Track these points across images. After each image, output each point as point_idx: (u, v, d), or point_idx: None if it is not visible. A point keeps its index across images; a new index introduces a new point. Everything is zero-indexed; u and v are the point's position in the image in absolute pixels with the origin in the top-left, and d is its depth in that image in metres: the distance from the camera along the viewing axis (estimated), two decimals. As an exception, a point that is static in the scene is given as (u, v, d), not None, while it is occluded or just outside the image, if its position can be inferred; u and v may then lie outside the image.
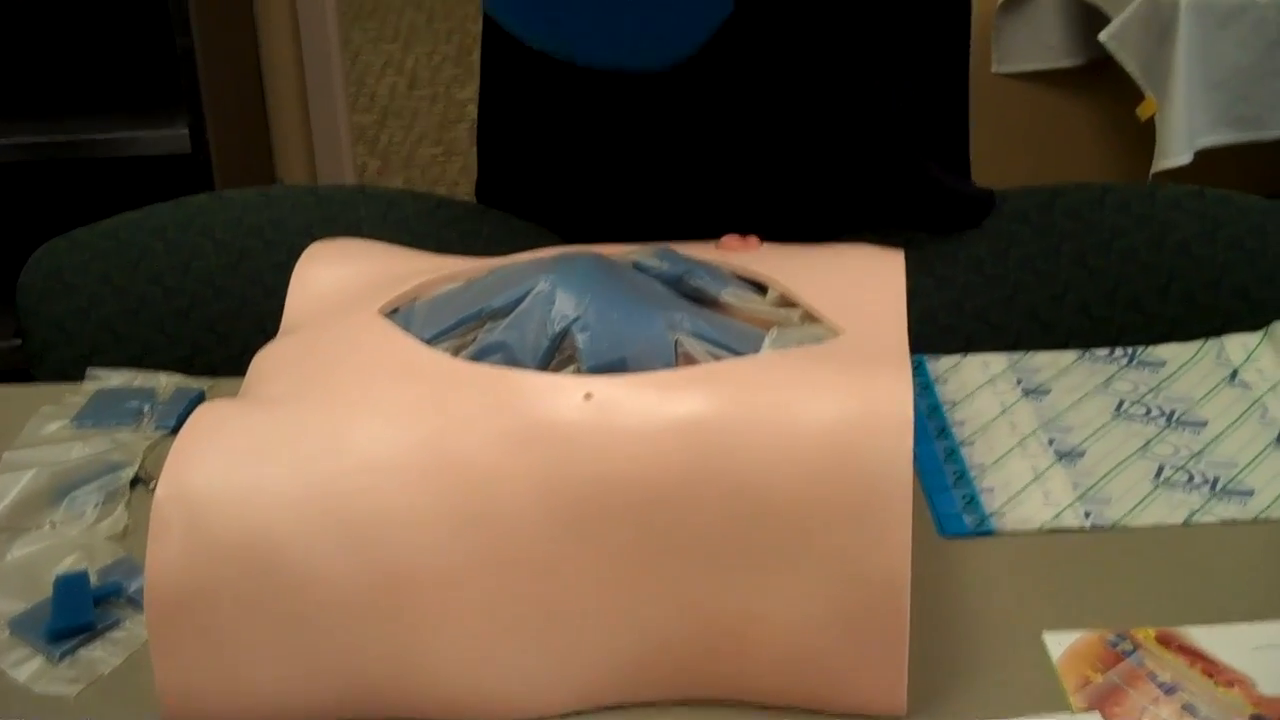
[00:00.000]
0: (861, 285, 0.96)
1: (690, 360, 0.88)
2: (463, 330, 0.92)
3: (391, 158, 3.74)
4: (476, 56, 1.27)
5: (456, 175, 3.57)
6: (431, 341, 0.91)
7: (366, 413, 0.84)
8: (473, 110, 1.20)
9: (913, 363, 1.15)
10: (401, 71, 4.32)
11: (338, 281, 1.01)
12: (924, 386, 1.15)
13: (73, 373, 1.25)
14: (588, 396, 0.82)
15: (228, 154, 2.38)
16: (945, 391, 1.14)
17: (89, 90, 2.40)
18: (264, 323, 1.30)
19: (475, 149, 1.37)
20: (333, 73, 2.80)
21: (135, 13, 2.50)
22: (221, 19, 2.46)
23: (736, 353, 0.89)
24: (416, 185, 3.56)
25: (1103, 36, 2.27)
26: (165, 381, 1.18)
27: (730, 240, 1.02)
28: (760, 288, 0.99)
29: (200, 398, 1.15)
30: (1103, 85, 2.80)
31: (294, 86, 2.81)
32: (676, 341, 0.89)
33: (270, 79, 2.80)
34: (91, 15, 2.58)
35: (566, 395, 0.82)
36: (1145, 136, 2.24)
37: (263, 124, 2.80)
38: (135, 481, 1.06)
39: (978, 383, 1.15)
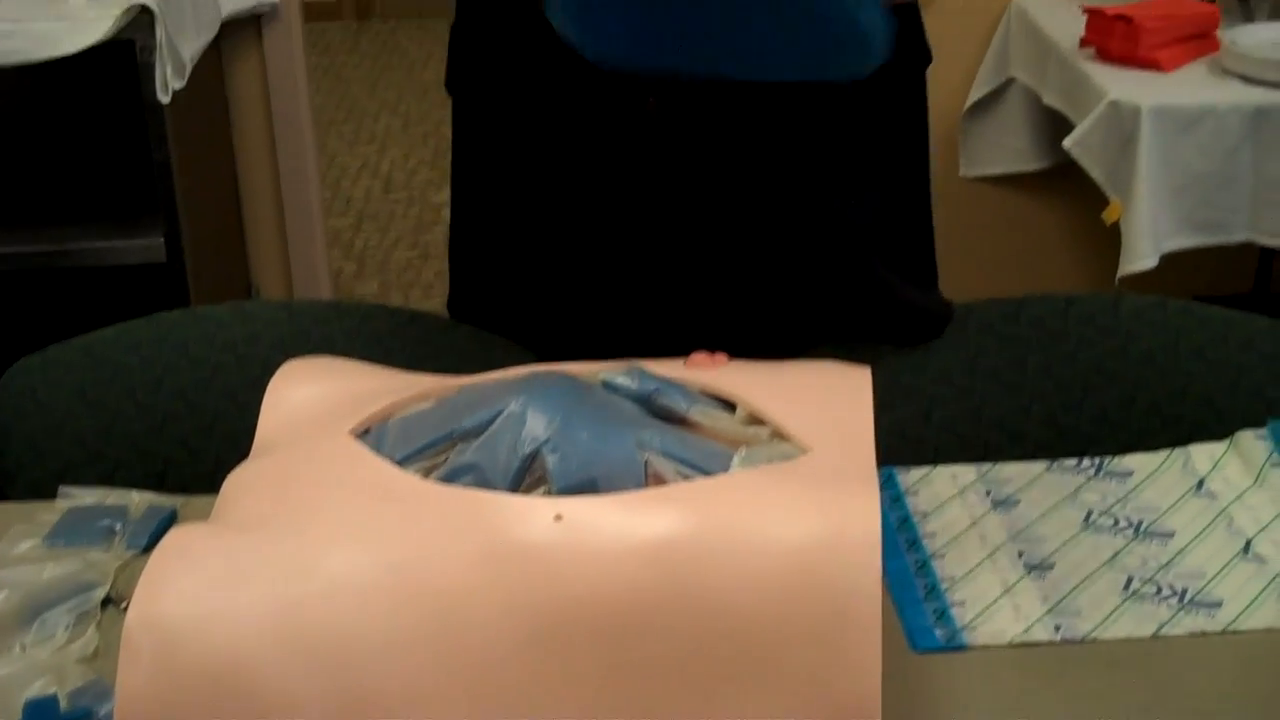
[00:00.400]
0: (829, 402, 0.97)
1: (660, 480, 0.89)
2: (434, 451, 0.92)
3: (367, 261, 3.76)
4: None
5: (432, 279, 3.59)
6: (403, 463, 0.91)
7: (337, 536, 0.84)
8: (449, 214, 1.23)
9: (883, 475, 1.16)
10: (377, 175, 4.35)
11: (310, 401, 1.02)
12: (894, 499, 1.15)
13: (45, 490, 1.25)
14: (558, 518, 0.83)
15: (202, 261, 2.39)
16: (916, 503, 1.15)
17: (64, 200, 2.42)
18: (237, 439, 1.31)
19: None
20: (308, 177, 2.82)
21: (111, 123, 2.53)
22: (198, 129, 2.48)
23: (706, 472, 0.90)
24: (392, 289, 3.57)
25: (1067, 143, 2.31)
26: (137, 500, 1.18)
27: (698, 357, 1.03)
28: (729, 405, 1.00)
29: (172, 517, 1.15)
30: (1069, 188, 2.84)
31: (269, 192, 2.83)
32: (646, 461, 0.90)
33: (246, 184, 2.82)
34: (67, 125, 2.60)
35: (537, 516, 0.83)
36: (1112, 237, 2.27)
37: (237, 230, 2.82)
38: (106, 602, 1.05)
39: (948, 494, 1.16)
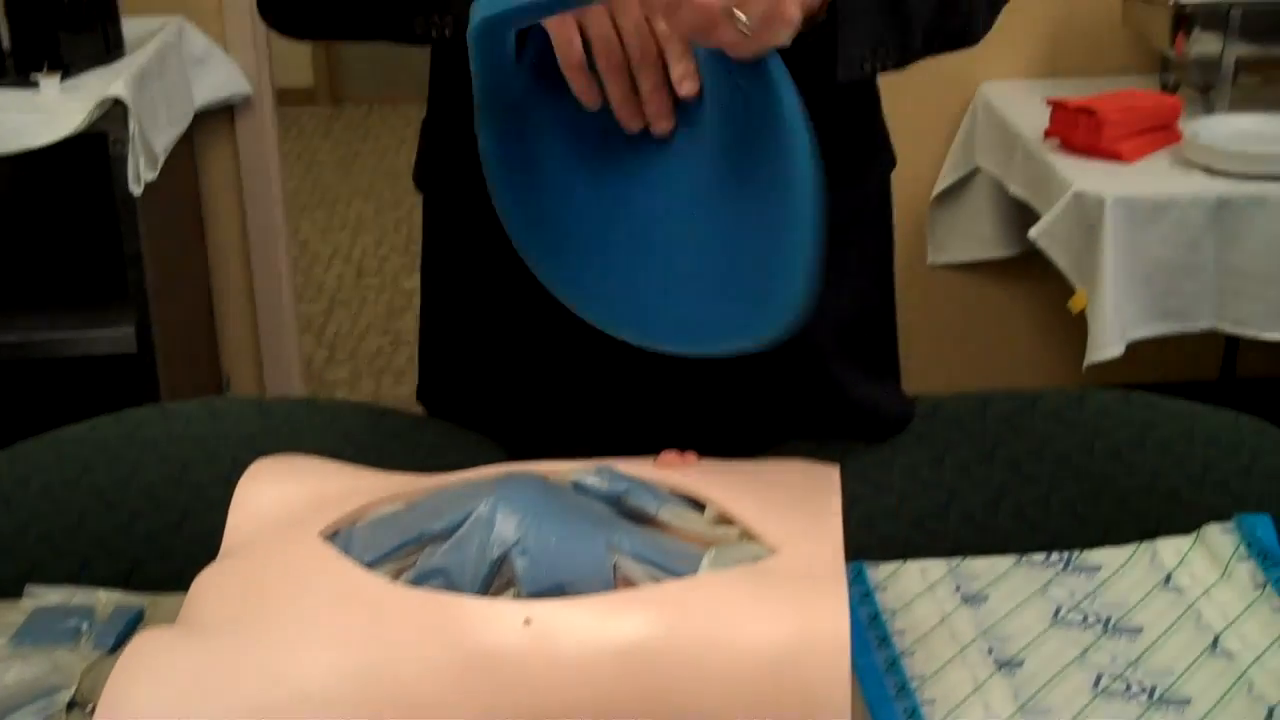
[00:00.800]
0: (798, 501, 0.98)
1: (629, 582, 0.89)
2: (403, 554, 0.93)
3: (338, 347, 3.77)
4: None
5: (403, 365, 3.59)
6: (371, 565, 0.91)
7: (305, 641, 0.84)
8: (420, 300, 1.25)
9: (852, 570, 1.16)
10: (349, 261, 4.37)
11: (279, 501, 1.02)
12: (864, 595, 1.15)
13: (11, 589, 1.24)
14: (527, 622, 0.83)
15: (173, 350, 2.39)
16: (885, 599, 1.15)
17: (36, 290, 2.42)
18: (206, 537, 1.30)
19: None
20: (280, 265, 2.83)
21: (83, 214, 2.54)
22: (170, 218, 2.49)
23: (675, 573, 0.90)
24: (363, 375, 3.57)
25: (1032, 234, 2.34)
26: (104, 599, 1.17)
27: (668, 456, 1.04)
28: (699, 505, 1.01)
29: (140, 616, 1.15)
30: (1036, 274, 2.87)
31: (241, 279, 2.84)
32: (615, 563, 0.90)
33: (217, 273, 2.83)
34: (40, 215, 2.61)
35: (506, 621, 0.83)
36: (1080, 324, 2.30)
37: (209, 318, 2.82)
38: (72, 704, 1.04)
39: (917, 590, 1.16)
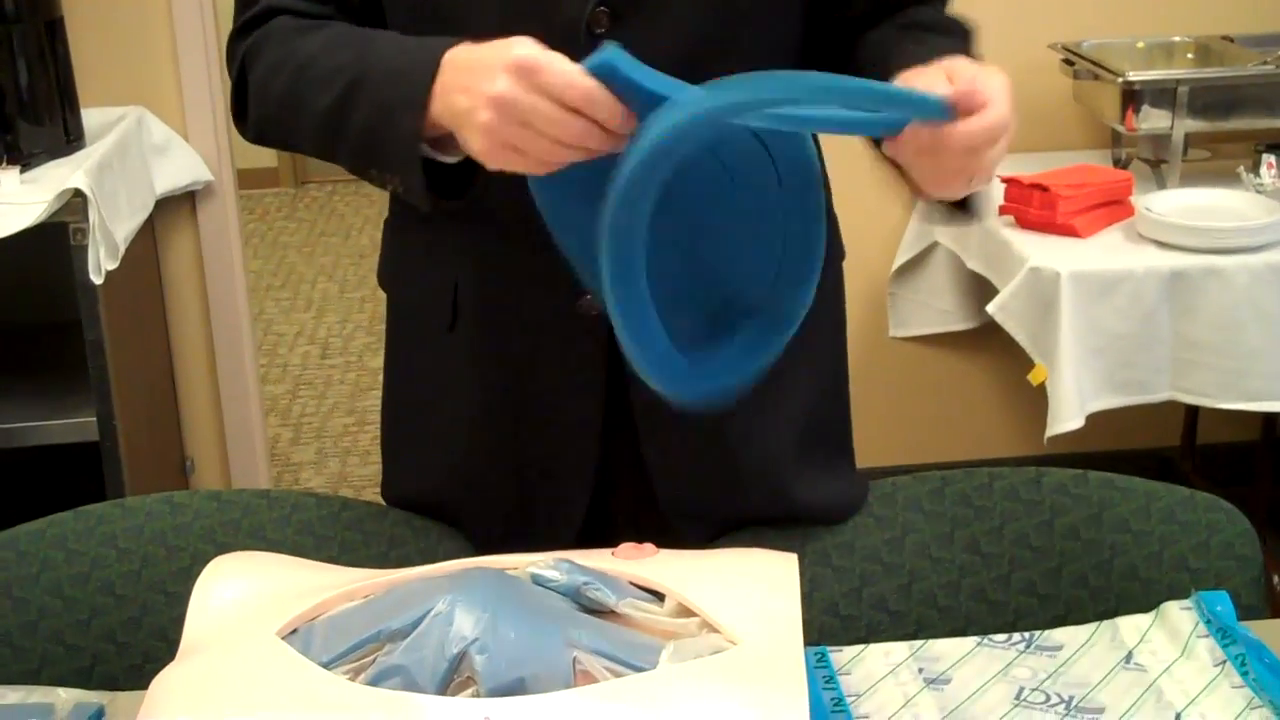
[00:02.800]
0: (757, 592, 0.98)
1: (589, 678, 0.89)
2: (361, 652, 0.92)
3: (304, 428, 3.75)
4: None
5: (368, 444, 3.58)
6: (330, 665, 0.91)
7: (263, 749, 0.83)
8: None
9: (815, 655, 1.16)
10: (314, 341, 4.36)
11: (237, 600, 1.01)
12: (827, 679, 1.15)
13: (-33, 689, 1.23)
14: (487, 721, 0.83)
15: (136, 437, 2.38)
16: (849, 683, 1.15)
17: (-6, 379, 2.41)
18: (165, 631, 1.29)
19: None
20: (243, 347, 2.82)
21: (43, 302, 2.53)
22: (131, 305, 2.49)
23: (635, 668, 0.90)
24: (329, 455, 3.56)
25: (990, 309, 2.36)
26: (64, 697, 1.16)
27: (626, 549, 1.04)
28: (659, 595, 1.01)
29: (100, 714, 1.14)
30: (997, 346, 2.89)
31: (204, 363, 2.83)
32: (575, 659, 0.90)
33: (180, 357, 2.82)
34: None
35: (465, 721, 0.83)
36: (1041, 394, 2.31)
37: (172, 402, 2.81)
38: (30, 807, 1.03)
39: (880, 674, 1.16)
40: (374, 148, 1.07)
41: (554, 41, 0.97)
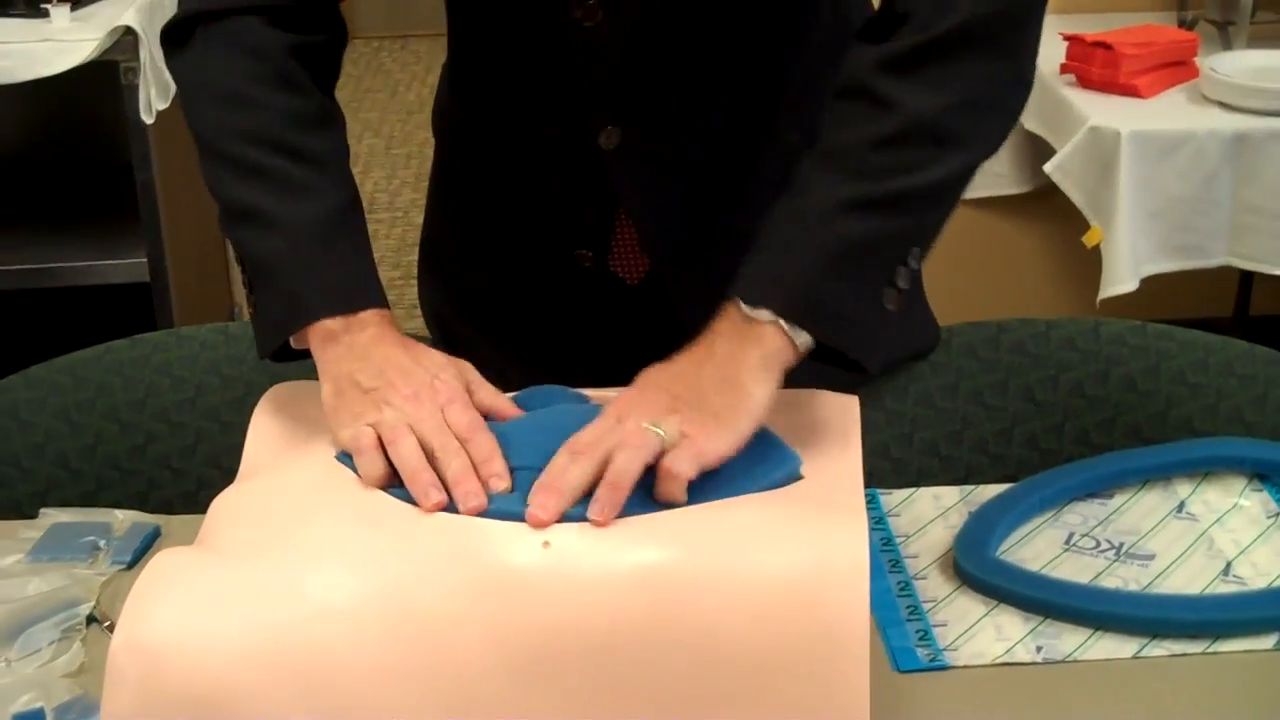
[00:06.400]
0: (818, 431, 0.98)
1: None
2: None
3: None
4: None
5: (414, 299, 3.59)
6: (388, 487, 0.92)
7: (323, 562, 0.84)
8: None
9: (866, 496, 1.16)
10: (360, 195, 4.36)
11: (296, 426, 1.02)
12: (877, 520, 1.16)
13: (28, 509, 1.25)
14: (546, 545, 0.83)
15: (185, 281, 2.39)
16: (898, 525, 1.15)
17: (48, 220, 2.42)
18: (219, 459, 1.31)
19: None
20: (291, 199, 2.82)
21: (95, 143, 2.53)
22: (182, 149, 2.48)
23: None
24: (374, 309, 3.57)
25: (1048, 168, 2.33)
26: (121, 517, 1.17)
27: None
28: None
29: (156, 534, 1.15)
30: (1051, 211, 2.85)
31: (253, 213, 2.83)
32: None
33: (229, 206, 2.82)
34: (51, 145, 2.60)
35: (525, 543, 0.83)
36: (1093, 260, 2.28)
37: (220, 250, 2.82)
38: (90, 618, 1.05)
39: (930, 516, 1.16)
40: (254, 296, 1.05)
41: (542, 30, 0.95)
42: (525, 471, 0.89)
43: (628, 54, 1.11)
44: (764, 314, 0.93)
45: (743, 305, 0.94)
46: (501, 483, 0.88)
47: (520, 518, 0.85)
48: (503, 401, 0.98)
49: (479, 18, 1.16)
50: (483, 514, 0.86)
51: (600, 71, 1.12)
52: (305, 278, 1.01)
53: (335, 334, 0.99)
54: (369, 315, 1.00)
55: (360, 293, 1.01)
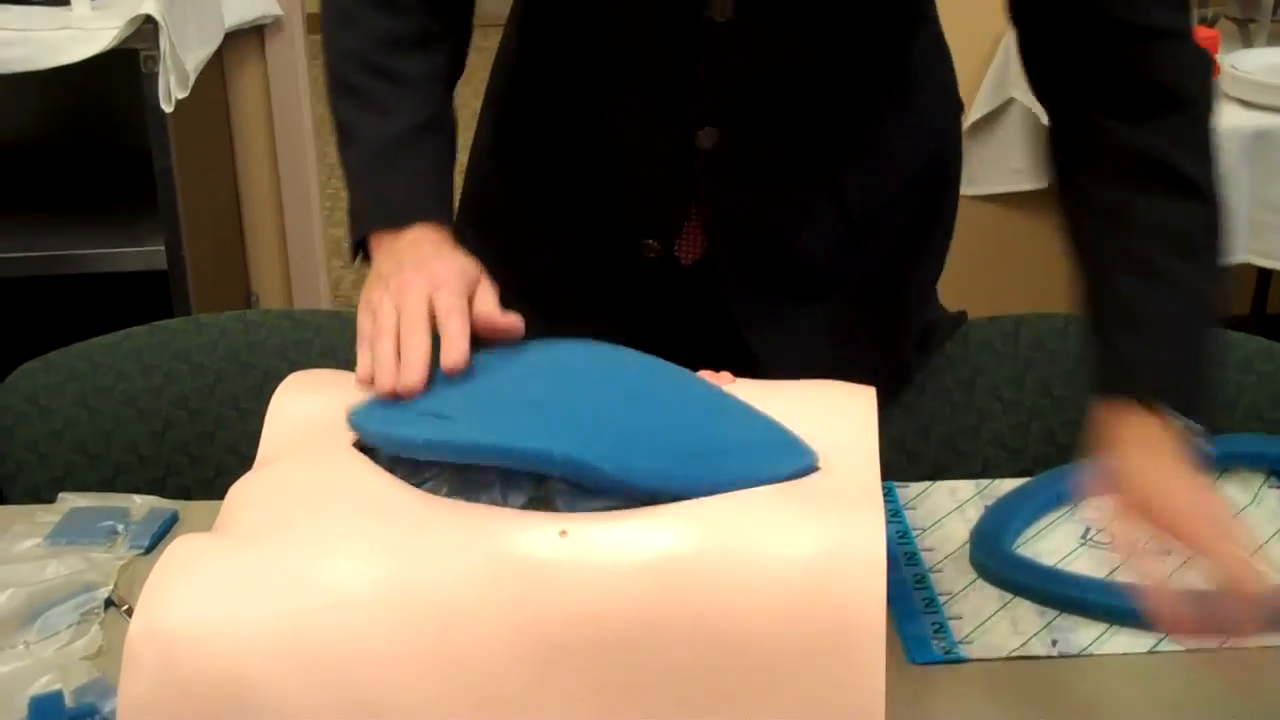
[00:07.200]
0: (834, 422, 0.98)
1: None
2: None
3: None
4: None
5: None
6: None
7: (340, 549, 0.84)
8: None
9: (883, 489, 1.16)
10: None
11: (314, 413, 1.02)
12: (894, 513, 1.16)
13: (46, 495, 1.25)
14: (563, 533, 0.83)
15: (203, 269, 2.40)
16: (914, 518, 1.15)
17: (67, 207, 2.42)
18: (237, 445, 1.31)
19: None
20: (309, 186, 2.82)
21: (114, 131, 2.53)
22: (200, 137, 2.49)
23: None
24: (390, 299, 3.57)
25: (1066, 163, 2.32)
26: (139, 502, 1.18)
27: (704, 374, 1.04)
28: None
29: (173, 519, 1.16)
30: (1068, 207, 2.85)
31: (270, 200, 2.83)
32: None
33: (247, 193, 2.82)
34: (71, 133, 2.61)
35: (542, 531, 0.83)
36: (1109, 258, 2.27)
37: (238, 238, 2.82)
38: (109, 602, 1.06)
39: (946, 509, 1.16)
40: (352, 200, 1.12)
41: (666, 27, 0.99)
42: (535, 405, 0.91)
43: (749, 53, 1.11)
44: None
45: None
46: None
47: (519, 449, 0.87)
48: (497, 314, 1.00)
49: (600, 11, 1.16)
50: (495, 439, 0.88)
51: (721, 69, 1.12)
52: (369, 192, 1.09)
53: (384, 244, 1.06)
54: (418, 229, 1.05)
55: (412, 208, 1.07)
